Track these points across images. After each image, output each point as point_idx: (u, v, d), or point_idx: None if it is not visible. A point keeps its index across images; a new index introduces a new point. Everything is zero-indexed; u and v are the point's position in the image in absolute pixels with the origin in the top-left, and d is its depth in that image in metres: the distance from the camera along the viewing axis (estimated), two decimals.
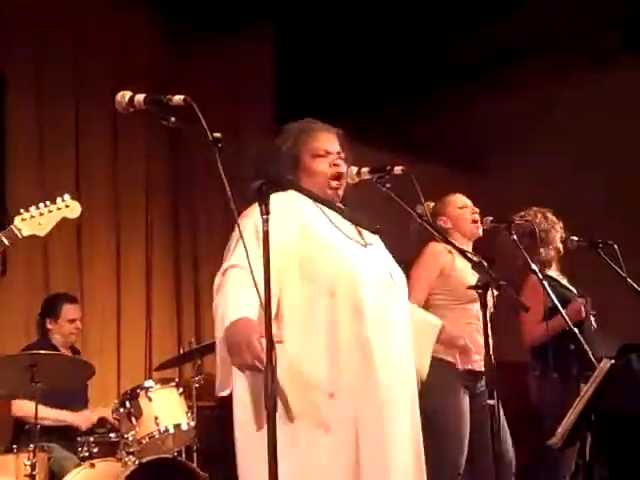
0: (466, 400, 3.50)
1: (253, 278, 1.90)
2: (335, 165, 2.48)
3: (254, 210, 2.25)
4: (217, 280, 2.25)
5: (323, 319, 2.27)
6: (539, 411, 3.79)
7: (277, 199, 2.05)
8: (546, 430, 3.08)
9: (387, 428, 2.28)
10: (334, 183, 2.47)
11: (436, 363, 3.42)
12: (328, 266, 2.30)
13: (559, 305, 3.41)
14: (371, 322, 2.31)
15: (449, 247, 3.55)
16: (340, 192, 2.50)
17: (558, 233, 4.00)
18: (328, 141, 2.51)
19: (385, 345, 2.33)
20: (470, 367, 3.49)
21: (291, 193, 2.31)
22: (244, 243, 2.01)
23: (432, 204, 3.78)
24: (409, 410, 2.38)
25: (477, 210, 3.72)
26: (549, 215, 4.02)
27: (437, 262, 3.58)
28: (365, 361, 2.28)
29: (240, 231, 2.08)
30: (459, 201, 3.78)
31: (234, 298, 2.14)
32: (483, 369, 3.52)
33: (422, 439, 2.44)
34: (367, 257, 2.41)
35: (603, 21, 5.85)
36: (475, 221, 3.69)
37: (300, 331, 2.26)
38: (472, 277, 3.49)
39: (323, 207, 2.39)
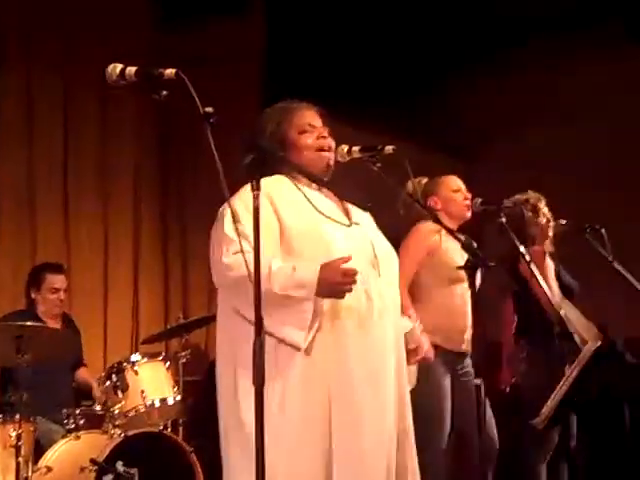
0: (447, 380, 3.52)
1: (251, 280, 2.01)
2: (322, 137, 2.50)
3: (243, 191, 2.31)
4: (230, 260, 2.27)
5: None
6: (523, 392, 3.82)
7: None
8: (529, 411, 3.11)
9: (361, 400, 2.30)
10: (324, 154, 2.49)
11: None
12: (306, 250, 2.33)
13: (545, 286, 3.43)
14: (350, 303, 2.32)
15: (438, 227, 3.56)
16: (331, 163, 2.51)
17: (541, 218, 4.01)
18: (311, 116, 2.54)
19: (363, 326, 2.34)
20: (451, 348, 3.52)
21: (270, 180, 2.35)
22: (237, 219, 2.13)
23: (424, 180, 3.76)
24: (392, 384, 2.38)
25: (469, 195, 3.71)
26: (532, 200, 4.03)
27: (424, 242, 3.58)
28: (339, 342, 2.31)
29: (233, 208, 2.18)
30: (453, 184, 3.74)
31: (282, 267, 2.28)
32: (463, 349, 3.58)
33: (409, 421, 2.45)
34: (349, 237, 2.42)
35: (605, 8, 5.80)
36: (466, 206, 3.67)
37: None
38: (459, 259, 3.52)
39: (307, 191, 2.42)
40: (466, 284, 3.39)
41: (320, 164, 2.48)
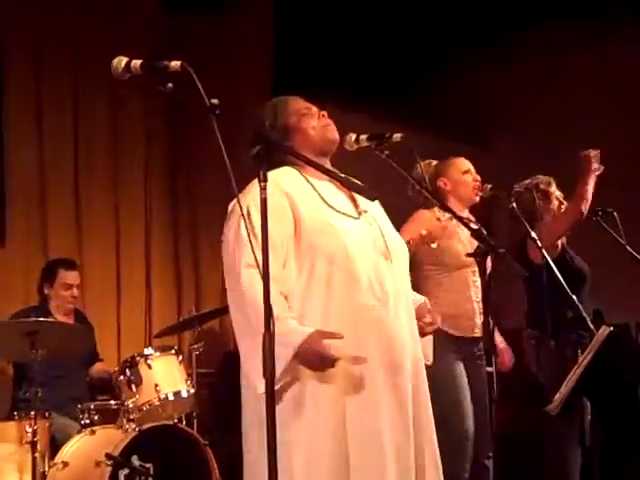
0: (460, 367, 3.52)
1: (255, 259, 2.05)
2: (323, 116, 2.53)
3: (252, 187, 2.31)
4: (244, 275, 2.26)
5: (321, 287, 2.31)
6: (538, 379, 3.81)
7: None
8: (547, 398, 3.09)
9: (378, 396, 2.30)
10: (330, 128, 2.51)
11: None
12: (321, 245, 2.33)
13: (557, 271, 3.40)
14: (366, 292, 2.33)
15: (438, 214, 3.57)
16: (337, 138, 2.53)
17: (554, 202, 3.99)
18: (305, 102, 2.56)
19: (381, 315, 2.35)
20: (462, 334, 3.52)
21: (280, 171, 2.35)
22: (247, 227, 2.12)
23: (434, 162, 3.77)
24: (409, 377, 2.38)
25: (479, 177, 3.71)
26: (542, 185, 4.00)
27: (421, 228, 3.58)
28: (356, 329, 2.31)
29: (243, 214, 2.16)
30: (463, 165, 3.75)
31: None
32: (475, 334, 3.58)
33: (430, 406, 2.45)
34: (359, 229, 2.42)
35: None
36: (475, 188, 3.68)
37: (299, 297, 2.31)
38: (461, 245, 3.52)
39: (315, 182, 2.42)
40: (471, 269, 3.41)
41: (327, 138, 2.50)
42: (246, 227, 2.18)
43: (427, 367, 2.50)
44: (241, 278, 2.26)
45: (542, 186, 4.00)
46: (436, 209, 3.60)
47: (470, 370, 3.54)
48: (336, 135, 2.52)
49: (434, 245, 3.49)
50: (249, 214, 2.24)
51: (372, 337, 2.32)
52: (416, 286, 3.37)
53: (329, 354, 2.20)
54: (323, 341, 2.21)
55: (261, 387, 2.06)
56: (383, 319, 2.34)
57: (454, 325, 3.49)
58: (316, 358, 2.20)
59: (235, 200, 2.28)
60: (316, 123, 2.51)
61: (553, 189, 4.02)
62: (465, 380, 3.52)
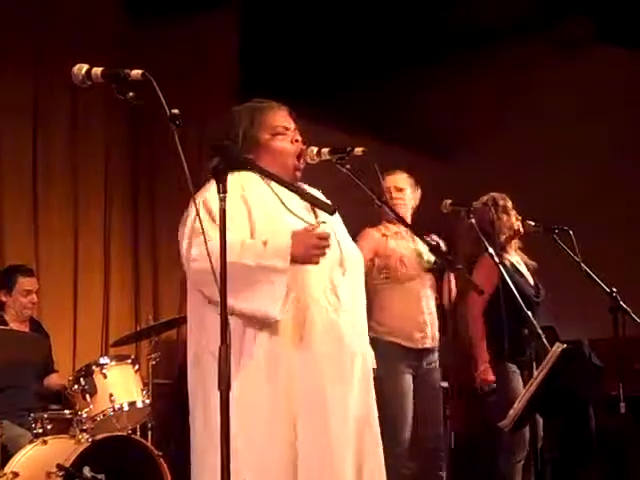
0: (408, 379, 3.55)
1: (213, 272, 1.97)
2: (296, 141, 2.50)
3: (205, 191, 2.32)
4: (192, 252, 2.27)
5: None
6: (484, 394, 3.84)
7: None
8: (494, 413, 3.12)
9: (328, 405, 2.31)
10: (297, 163, 2.48)
11: (377, 344, 3.48)
12: None
13: (515, 290, 3.43)
14: (320, 295, 2.34)
15: (384, 231, 3.63)
16: (301, 168, 2.51)
17: (512, 218, 4.03)
18: (285, 118, 2.52)
19: (329, 327, 2.35)
20: (414, 346, 3.56)
21: (241, 174, 2.34)
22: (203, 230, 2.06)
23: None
24: (357, 391, 2.39)
25: (400, 196, 3.72)
26: (501, 201, 4.05)
27: (368, 246, 3.61)
28: (304, 343, 2.31)
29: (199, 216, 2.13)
30: (389, 182, 3.74)
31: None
32: (427, 346, 3.61)
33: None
34: None
35: (572, 9, 5.86)
36: (396, 205, 3.66)
37: None
38: (410, 258, 3.56)
39: (275, 186, 2.40)
40: (421, 282, 3.46)
41: (291, 170, 2.47)
42: (199, 219, 2.13)
43: (375, 376, 2.52)
44: (193, 255, 2.25)
45: (501, 202, 4.04)
46: (382, 226, 3.65)
47: (420, 382, 3.57)
48: (295, 169, 2.48)
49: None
50: (205, 204, 2.26)
51: (324, 341, 2.32)
52: (367, 298, 3.40)
53: (320, 231, 2.24)
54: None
55: (274, 311, 2.20)
56: (335, 324, 2.35)
57: (406, 337, 3.53)
58: (312, 237, 2.24)
59: (191, 203, 2.27)
60: (288, 146, 2.47)
61: (510, 204, 4.07)
62: (411, 392, 3.55)
